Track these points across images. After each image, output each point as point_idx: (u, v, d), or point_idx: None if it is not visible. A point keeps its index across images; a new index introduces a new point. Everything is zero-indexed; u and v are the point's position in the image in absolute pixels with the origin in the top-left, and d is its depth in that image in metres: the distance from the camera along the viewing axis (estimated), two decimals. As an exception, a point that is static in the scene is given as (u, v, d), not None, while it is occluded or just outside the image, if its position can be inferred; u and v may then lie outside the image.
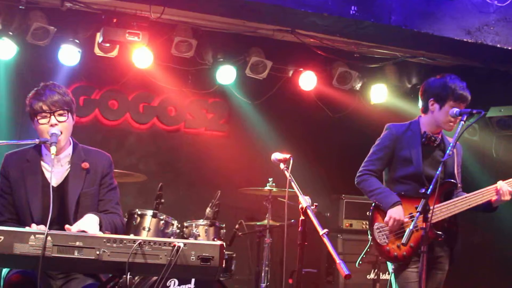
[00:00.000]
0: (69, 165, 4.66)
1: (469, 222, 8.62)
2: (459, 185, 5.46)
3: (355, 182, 5.57)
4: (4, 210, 4.60)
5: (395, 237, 5.25)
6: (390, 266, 5.43)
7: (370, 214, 5.42)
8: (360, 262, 5.74)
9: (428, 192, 4.80)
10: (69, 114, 4.59)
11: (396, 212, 5.23)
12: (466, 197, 5.32)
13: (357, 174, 5.56)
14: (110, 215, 4.64)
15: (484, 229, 9.04)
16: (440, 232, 5.15)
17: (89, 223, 4.37)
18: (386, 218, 5.25)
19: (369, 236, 5.41)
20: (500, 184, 5.31)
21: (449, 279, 5.51)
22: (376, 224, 5.35)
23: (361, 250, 8.46)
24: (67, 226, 4.31)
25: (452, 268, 5.49)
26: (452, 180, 5.34)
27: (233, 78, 8.82)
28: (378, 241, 5.30)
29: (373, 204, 5.43)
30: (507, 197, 5.30)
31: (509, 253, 8.84)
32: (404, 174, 5.43)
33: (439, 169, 4.91)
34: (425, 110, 5.51)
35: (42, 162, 4.64)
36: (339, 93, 9.45)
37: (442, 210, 5.22)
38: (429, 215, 4.82)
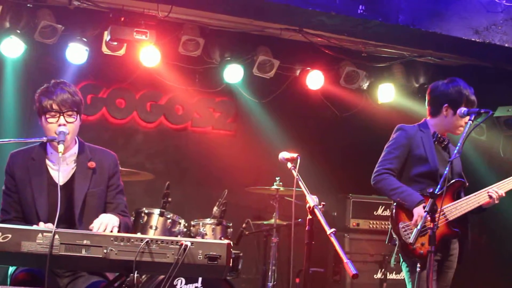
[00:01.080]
0: (75, 164, 4.66)
1: (476, 221, 8.62)
2: (467, 184, 5.50)
3: (372, 182, 5.52)
4: (10, 208, 4.60)
5: (421, 236, 5.20)
6: (405, 267, 5.45)
7: (394, 213, 5.40)
8: (395, 263, 5.73)
9: (436, 192, 4.83)
10: (78, 115, 4.58)
11: (422, 211, 5.15)
12: (475, 195, 5.38)
13: (375, 174, 5.52)
14: (123, 218, 4.67)
15: (491, 229, 9.02)
16: (457, 229, 5.26)
17: (111, 218, 4.41)
18: (415, 217, 5.22)
19: (394, 236, 5.40)
20: (492, 190, 5.41)
21: (455, 278, 5.52)
22: (401, 223, 5.34)
23: (368, 250, 8.56)
24: (91, 226, 4.34)
25: (460, 267, 5.51)
26: (462, 180, 5.42)
27: (241, 77, 8.81)
28: (405, 240, 5.28)
29: (394, 204, 5.42)
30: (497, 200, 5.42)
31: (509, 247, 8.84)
32: (419, 172, 5.45)
33: (447, 168, 4.96)
34: (436, 113, 5.60)
35: (47, 161, 4.63)
36: (346, 92, 9.43)
37: (457, 208, 5.31)
38: (437, 215, 4.86)
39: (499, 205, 5.47)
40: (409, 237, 5.22)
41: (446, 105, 5.49)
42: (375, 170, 5.54)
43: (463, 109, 5.32)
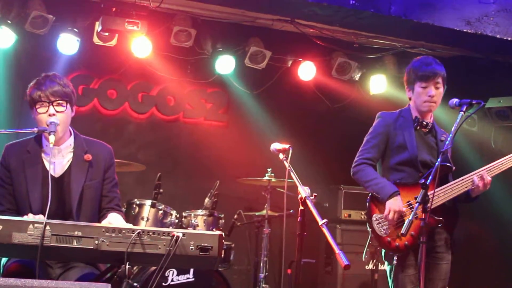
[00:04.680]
0: (71, 156, 4.66)
1: (466, 211, 8.62)
2: (453, 168, 5.33)
3: (351, 173, 5.45)
4: (3, 200, 4.60)
5: (395, 228, 5.16)
6: (387, 264, 5.38)
7: (367, 205, 5.33)
8: (366, 256, 5.70)
9: (427, 182, 4.80)
10: (68, 105, 4.58)
11: (395, 204, 5.13)
12: (462, 179, 5.24)
13: (353, 164, 5.43)
14: (120, 214, 4.70)
15: (482, 219, 9.02)
16: (440, 218, 5.10)
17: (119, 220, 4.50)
18: (386, 211, 5.14)
19: (368, 228, 5.33)
20: (482, 173, 5.23)
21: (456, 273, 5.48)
22: (374, 215, 5.26)
23: (360, 241, 8.57)
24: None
25: (453, 258, 5.45)
26: (448, 164, 5.21)
27: (232, 68, 8.80)
28: (378, 232, 5.21)
29: (369, 195, 5.35)
30: (487, 187, 5.24)
31: (508, 243, 8.84)
32: (399, 160, 5.34)
33: (439, 159, 4.90)
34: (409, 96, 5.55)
35: (42, 154, 4.64)
36: (338, 83, 9.43)
37: (439, 195, 5.12)
38: (428, 205, 4.79)
39: (499, 199, 5.37)
40: (383, 230, 5.19)
41: (406, 87, 5.49)
42: (354, 160, 5.46)
43: (454, 100, 5.22)
